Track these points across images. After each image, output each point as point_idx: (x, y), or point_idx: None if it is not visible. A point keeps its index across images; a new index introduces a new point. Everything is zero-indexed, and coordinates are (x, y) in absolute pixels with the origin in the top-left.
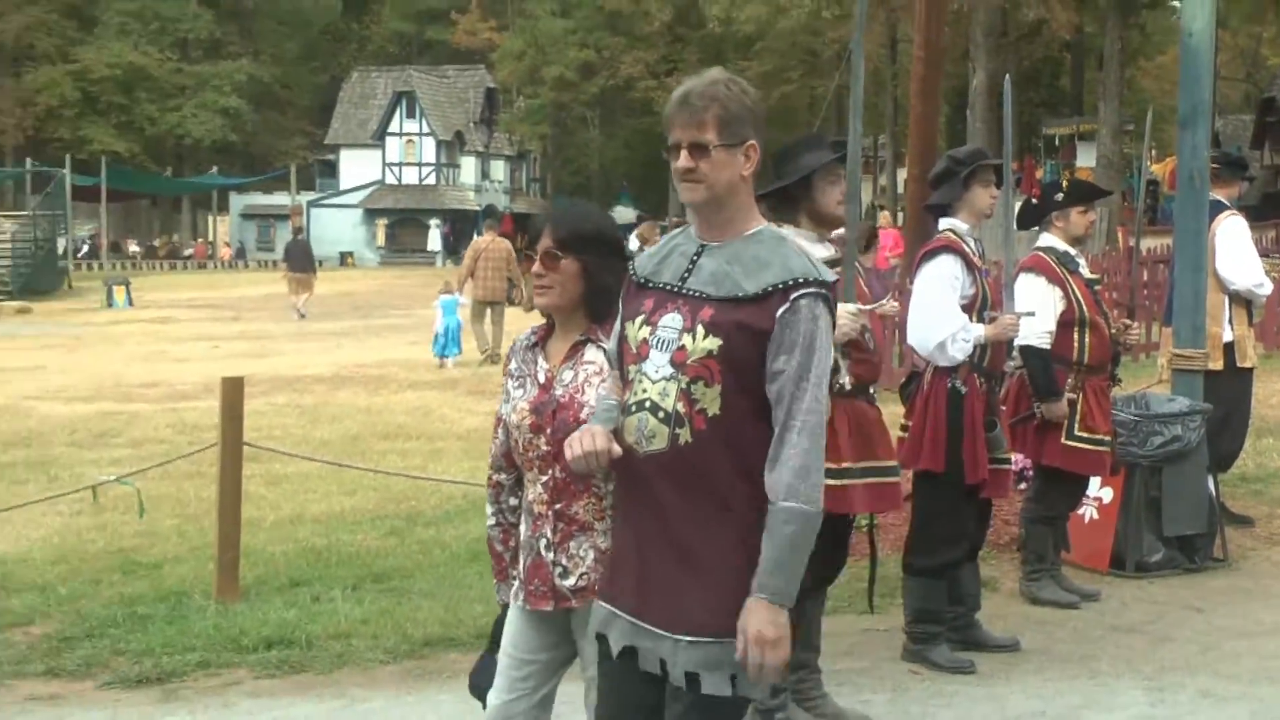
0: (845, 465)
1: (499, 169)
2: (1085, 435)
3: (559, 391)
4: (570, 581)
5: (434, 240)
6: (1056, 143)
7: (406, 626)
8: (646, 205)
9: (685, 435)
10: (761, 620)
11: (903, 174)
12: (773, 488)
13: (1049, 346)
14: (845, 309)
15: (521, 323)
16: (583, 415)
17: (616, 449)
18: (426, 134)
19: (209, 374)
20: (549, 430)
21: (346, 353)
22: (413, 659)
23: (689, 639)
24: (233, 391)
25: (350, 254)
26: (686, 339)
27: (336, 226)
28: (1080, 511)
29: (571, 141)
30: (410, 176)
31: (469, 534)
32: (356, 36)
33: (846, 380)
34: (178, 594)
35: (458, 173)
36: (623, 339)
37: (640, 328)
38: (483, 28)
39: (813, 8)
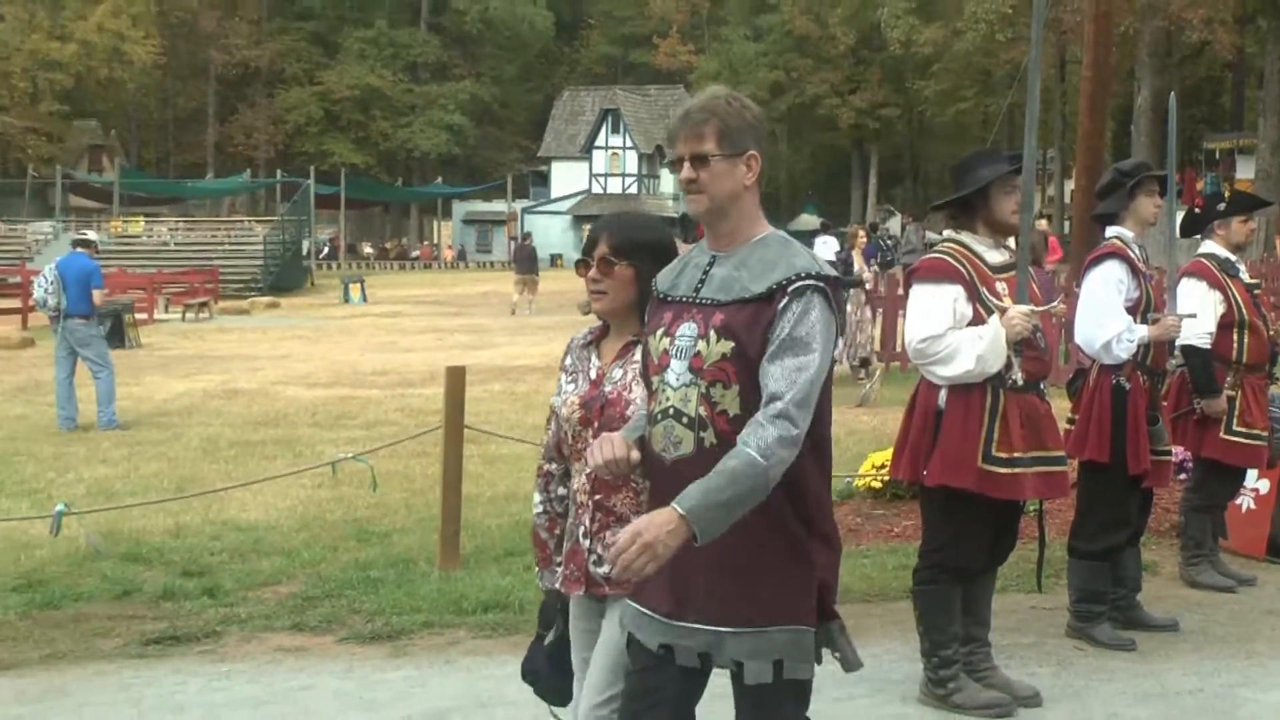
0: (1016, 454)
1: None
2: (1243, 430)
3: (608, 388)
4: (604, 569)
5: None
6: (1216, 156)
7: None
8: (830, 213)
9: (710, 438)
10: (655, 522)
11: (1070, 185)
12: (744, 433)
13: (1209, 346)
14: (1018, 310)
15: (583, 325)
16: (628, 412)
17: (635, 455)
18: (630, 148)
19: (433, 363)
20: (595, 424)
21: (555, 345)
22: None
23: (730, 631)
24: (455, 380)
25: (559, 256)
26: (701, 345)
27: (547, 231)
28: (1238, 501)
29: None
30: (614, 186)
31: None
32: (568, 59)
33: (1019, 376)
34: (405, 561)
35: (657, 183)
36: (646, 352)
37: (661, 339)
38: (682, 51)
39: (987, 31)
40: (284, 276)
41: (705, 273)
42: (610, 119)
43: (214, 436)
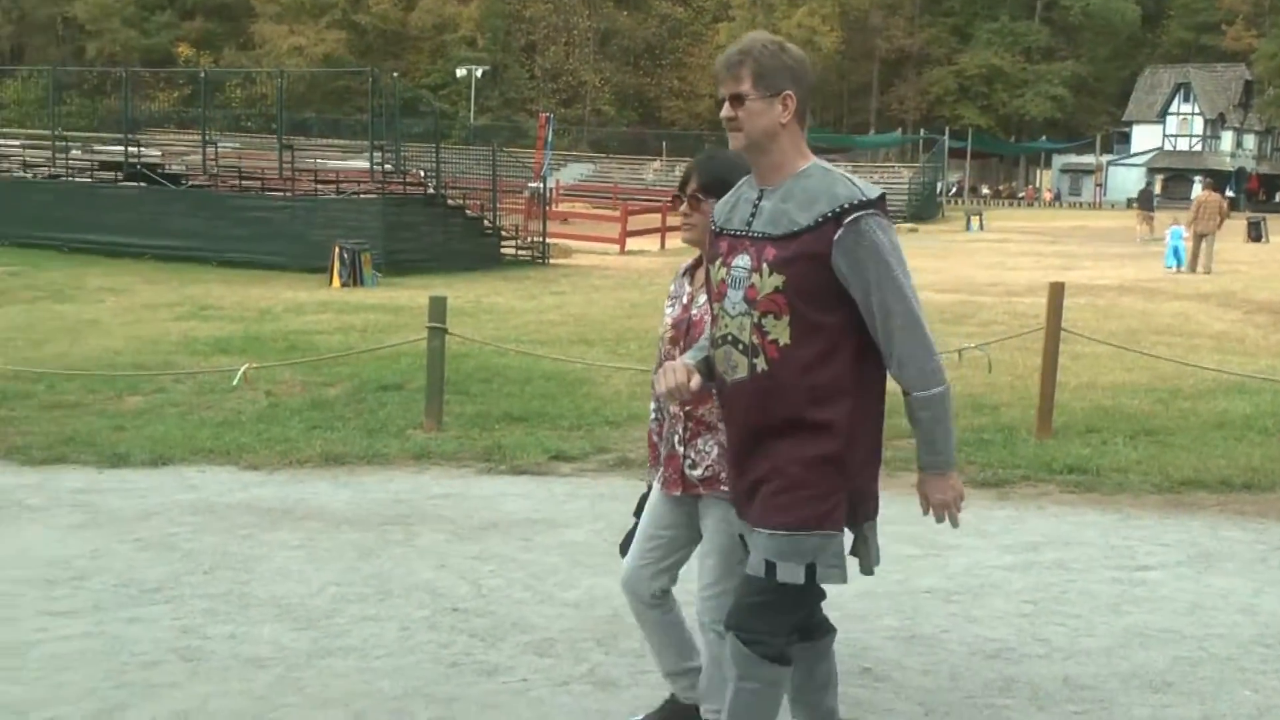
0: None
1: (1249, 141)
2: None
3: (694, 312)
4: (698, 473)
5: (1195, 190)
6: None
7: (1168, 469)
8: None
9: (761, 364)
10: (934, 488)
11: None
12: (901, 382)
13: None
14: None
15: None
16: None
17: (696, 381)
18: (1196, 114)
19: (1033, 279)
20: (682, 344)
21: (1126, 270)
22: (1171, 493)
23: (768, 532)
24: (1056, 293)
25: (1134, 199)
26: (755, 278)
27: (1126, 180)
28: None
29: None
30: (1183, 145)
31: (1216, 409)
32: (1150, 42)
33: None
34: (1009, 428)
35: (1218, 143)
36: (708, 280)
37: (719, 269)
38: (1245, 35)
39: None
40: (922, 209)
41: (755, 206)
42: (1182, 91)
43: None
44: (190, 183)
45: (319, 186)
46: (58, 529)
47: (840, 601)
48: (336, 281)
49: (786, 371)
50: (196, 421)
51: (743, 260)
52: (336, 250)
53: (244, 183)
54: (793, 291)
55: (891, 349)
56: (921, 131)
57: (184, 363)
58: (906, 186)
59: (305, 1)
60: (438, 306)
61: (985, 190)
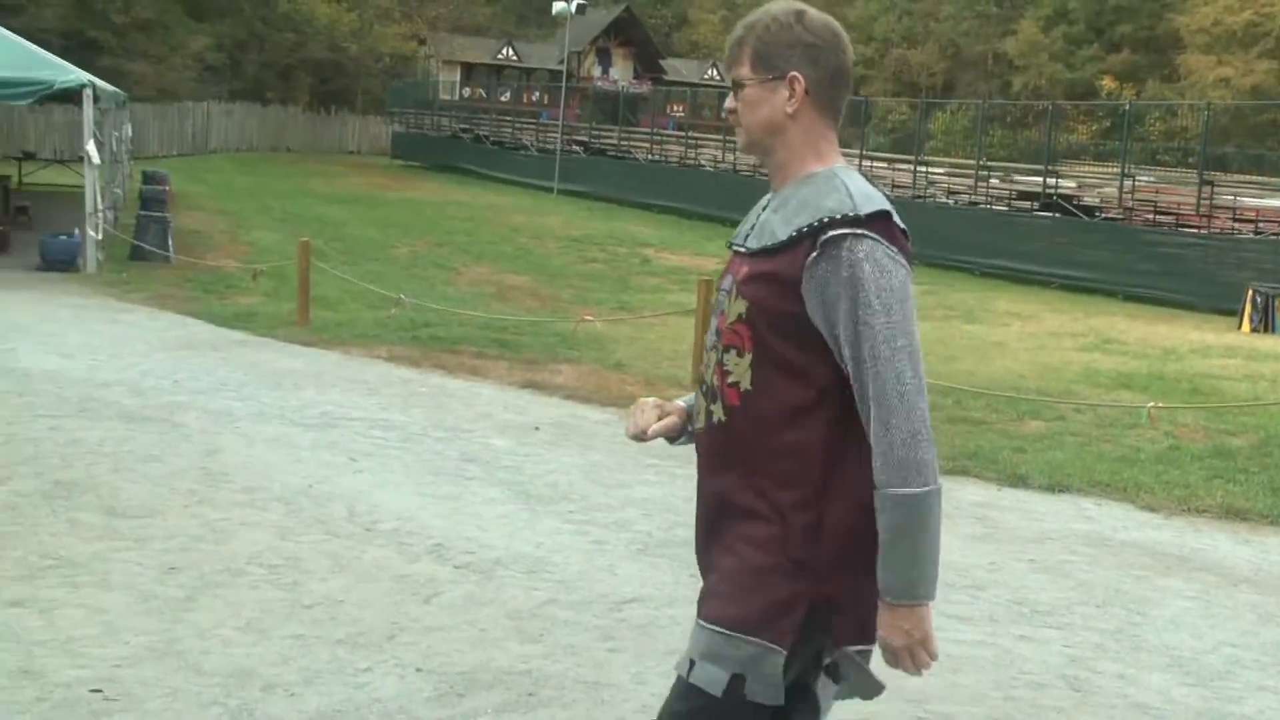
0: None
1: None
2: None
3: None
4: None
5: None
6: None
7: None
8: None
9: (719, 413)
10: (885, 622)
11: None
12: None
13: None
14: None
15: None
16: None
17: (659, 426)
18: None
19: None
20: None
21: None
22: None
23: (702, 623)
24: None
25: None
26: (727, 301)
27: None
28: None
29: None
30: None
31: None
32: None
33: None
34: None
35: None
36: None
37: (716, 295)
38: None
39: None
40: None
41: (759, 216)
42: None
43: None
44: (1103, 215)
45: (1236, 225)
46: (959, 538)
47: None
48: (1246, 326)
49: (745, 425)
50: (1095, 454)
51: (726, 282)
52: (1249, 293)
53: (1158, 217)
54: (756, 320)
55: (868, 429)
56: None
57: (1085, 393)
58: None
59: (1237, 31)
60: None
61: None
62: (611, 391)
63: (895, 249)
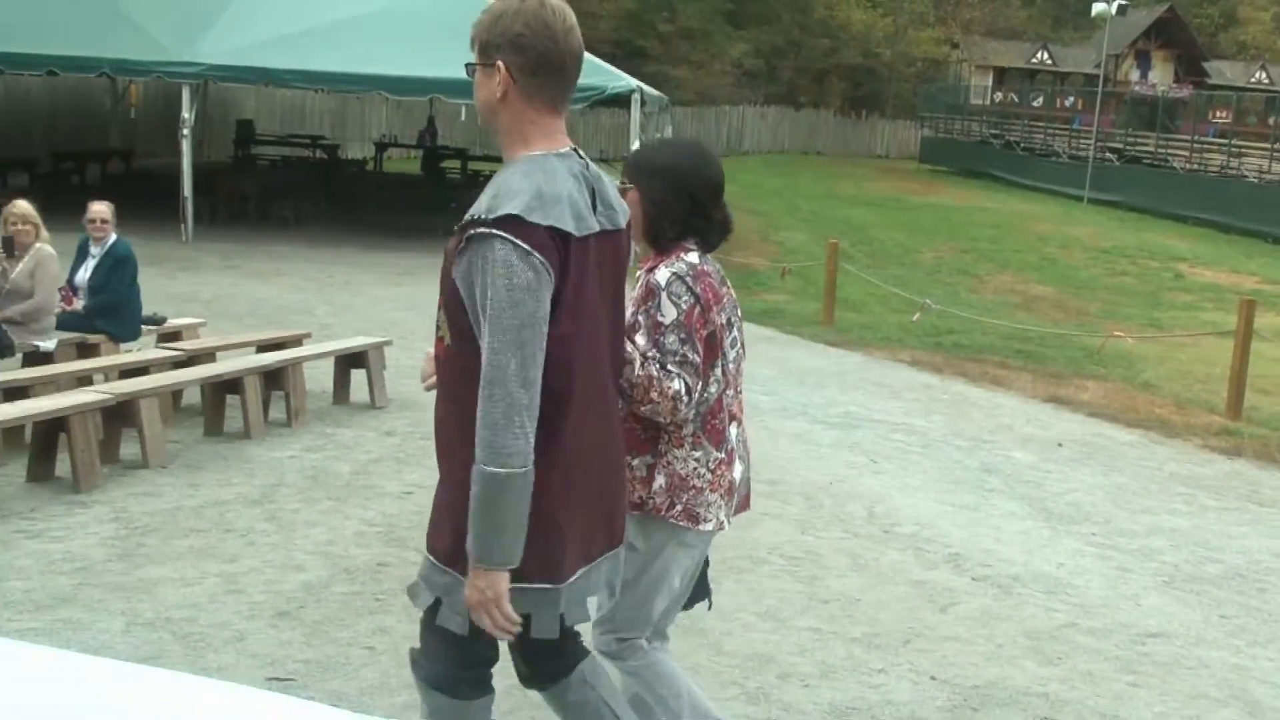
0: None
1: None
2: None
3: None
4: None
5: None
6: None
7: None
8: None
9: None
10: (468, 585)
11: None
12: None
13: None
14: None
15: None
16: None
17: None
18: None
19: None
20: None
21: None
22: None
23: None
24: None
25: None
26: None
27: None
28: None
29: None
30: None
31: None
32: None
33: None
34: None
35: None
36: None
37: None
38: None
39: None
40: None
41: None
42: None
43: None
44: None
45: None
46: None
47: None
48: None
49: (443, 372)
50: None
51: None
52: None
53: None
54: (443, 297)
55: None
56: None
57: None
58: None
59: None
60: None
61: None
62: (1139, 412)
63: (529, 246)
